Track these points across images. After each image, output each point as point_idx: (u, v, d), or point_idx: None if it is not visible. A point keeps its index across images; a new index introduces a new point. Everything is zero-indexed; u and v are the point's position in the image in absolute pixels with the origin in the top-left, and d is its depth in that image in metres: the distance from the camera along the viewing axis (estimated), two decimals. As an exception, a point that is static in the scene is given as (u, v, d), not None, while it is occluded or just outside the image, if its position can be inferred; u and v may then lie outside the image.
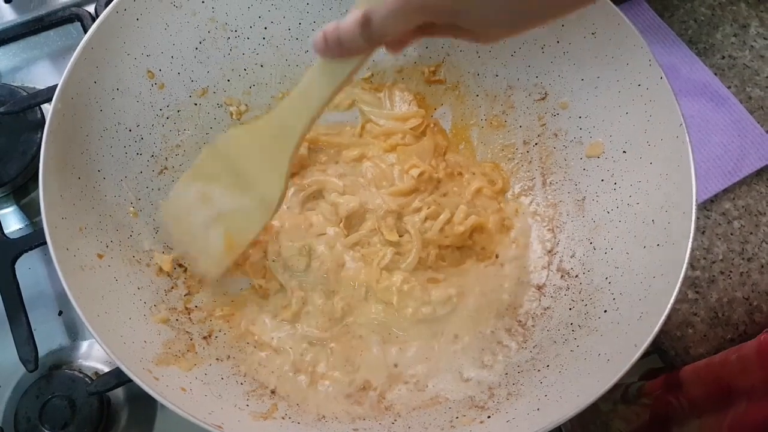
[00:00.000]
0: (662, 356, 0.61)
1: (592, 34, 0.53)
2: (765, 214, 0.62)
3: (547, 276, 0.55)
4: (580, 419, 0.68)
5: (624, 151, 0.53)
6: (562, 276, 0.54)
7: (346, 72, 0.40)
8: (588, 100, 0.55)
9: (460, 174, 0.60)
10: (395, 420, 0.48)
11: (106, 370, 0.56)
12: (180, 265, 0.55)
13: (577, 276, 0.53)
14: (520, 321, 0.54)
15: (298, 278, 0.54)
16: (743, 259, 0.61)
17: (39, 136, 0.63)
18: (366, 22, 0.35)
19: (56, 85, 0.48)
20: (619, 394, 0.62)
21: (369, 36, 0.36)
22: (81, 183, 0.50)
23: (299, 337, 0.53)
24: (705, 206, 0.62)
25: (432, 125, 0.62)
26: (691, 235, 0.45)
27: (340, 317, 0.53)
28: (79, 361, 0.58)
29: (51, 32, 0.71)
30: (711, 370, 0.50)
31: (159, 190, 0.56)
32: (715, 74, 0.66)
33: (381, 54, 0.61)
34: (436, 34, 0.39)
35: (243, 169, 0.47)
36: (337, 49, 0.38)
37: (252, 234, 0.49)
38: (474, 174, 0.60)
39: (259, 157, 0.46)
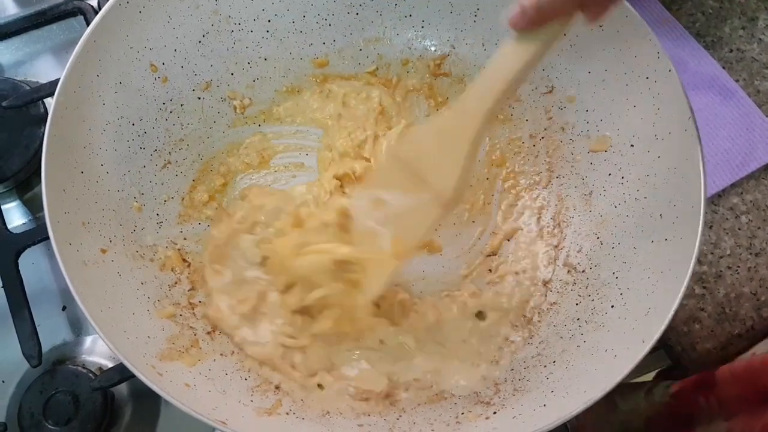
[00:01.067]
0: (668, 352, 0.61)
1: (600, 26, 0.52)
2: (773, 208, 0.61)
3: (554, 271, 0.54)
4: (597, 418, 0.68)
5: (632, 145, 0.52)
6: (568, 271, 0.54)
7: (538, 45, 0.38)
8: (595, 93, 0.54)
9: None
10: (400, 416, 0.48)
11: (110, 365, 0.56)
12: (184, 260, 0.54)
13: (583, 271, 0.53)
14: (526, 316, 0.53)
15: (255, 271, 0.53)
16: (751, 254, 0.60)
17: (42, 130, 0.63)
18: None
19: (59, 79, 0.48)
20: (643, 392, 0.62)
21: None
22: (84, 177, 0.49)
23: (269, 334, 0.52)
24: (712, 201, 0.62)
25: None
26: (700, 229, 0.44)
27: (304, 327, 0.52)
28: (83, 356, 0.58)
29: (54, 26, 0.71)
30: (750, 371, 0.50)
31: (162, 184, 0.56)
32: (723, 67, 0.65)
33: (386, 47, 0.61)
34: None
35: (420, 168, 0.44)
36: (535, 14, 0.36)
37: (420, 233, 0.46)
38: None
39: (436, 154, 0.43)
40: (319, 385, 0.50)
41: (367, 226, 0.47)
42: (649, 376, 0.68)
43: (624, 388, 0.66)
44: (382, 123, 0.61)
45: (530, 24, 0.37)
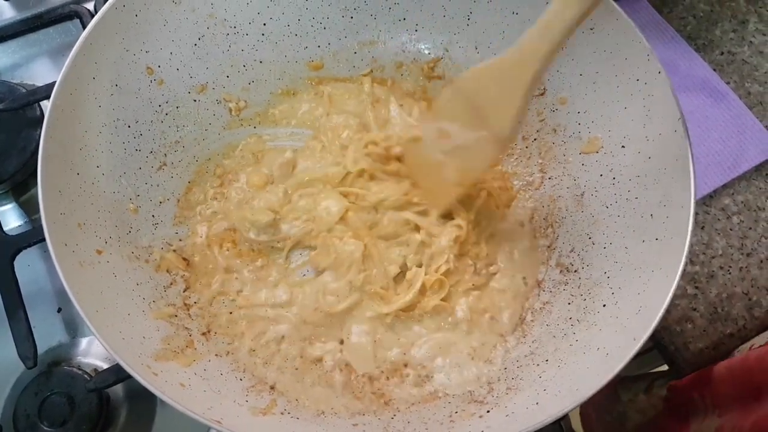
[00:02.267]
0: (662, 352, 0.61)
1: (590, 29, 0.53)
2: (764, 209, 0.62)
3: (546, 271, 0.55)
4: (598, 408, 0.68)
5: (623, 146, 0.53)
6: (560, 271, 0.54)
7: None
8: (587, 96, 0.55)
9: None
10: (394, 415, 0.48)
11: (105, 366, 0.56)
12: (185, 259, 0.55)
13: (576, 271, 0.53)
14: (519, 316, 0.54)
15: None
16: (742, 254, 0.61)
17: (38, 133, 0.63)
18: None
19: (55, 82, 0.48)
20: (644, 385, 0.62)
21: None
22: (80, 179, 0.50)
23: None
24: (704, 202, 0.62)
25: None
26: (690, 228, 0.45)
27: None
28: (78, 358, 0.58)
29: (50, 29, 0.71)
30: (745, 368, 0.50)
31: (158, 186, 0.56)
32: (714, 70, 0.66)
33: (380, 50, 0.62)
34: None
35: (479, 104, 0.47)
36: None
37: (480, 169, 0.50)
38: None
39: (495, 91, 0.46)
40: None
41: (435, 155, 0.51)
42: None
43: (627, 380, 0.66)
44: (379, 107, 0.61)
45: None
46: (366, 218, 0.56)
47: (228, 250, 0.56)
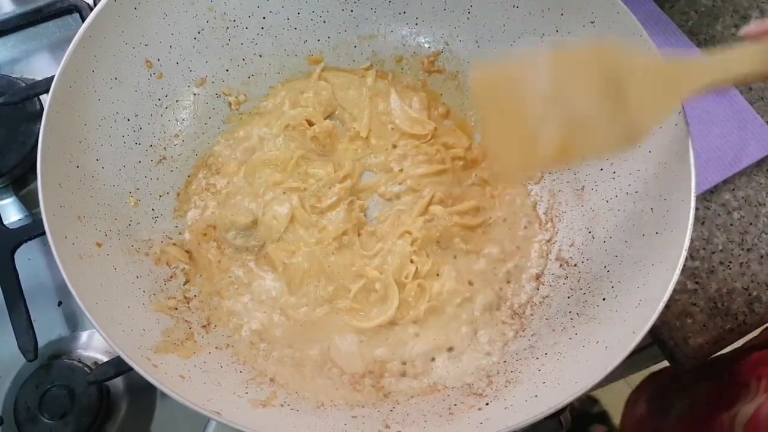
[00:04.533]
0: (662, 347, 0.61)
1: (591, 23, 0.53)
2: (765, 204, 0.62)
3: (546, 265, 0.55)
4: (660, 390, 0.66)
5: (623, 140, 0.52)
6: (560, 265, 0.54)
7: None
8: (587, 89, 0.54)
9: None
10: (393, 407, 0.48)
11: (106, 359, 0.56)
12: (187, 252, 0.55)
13: (575, 265, 0.53)
14: (519, 310, 0.54)
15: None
16: (743, 249, 0.60)
17: (38, 127, 0.62)
18: None
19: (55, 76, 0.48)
20: (704, 369, 0.61)
21: None
22: (79, 172, 0.50)
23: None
24: (705, 197, 0.62)
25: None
26: (690, 221, 0.45)
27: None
28: (79, 351, 0.58)
29: (50, 23, 0.71)
30: None
31: (158, 179, 0.56)
32: (715, 65, 0.66)
33: (380, 44, 0.62)
34: None
35: (624, 85, 0.41)
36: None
37: (594, 153, 0.44)
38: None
39: (650, 86, 0.41)
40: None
41: (537, 111, 0.41)
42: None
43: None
44: (378, 101, 0.61)
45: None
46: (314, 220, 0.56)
47: (214, 248, 0.56)
